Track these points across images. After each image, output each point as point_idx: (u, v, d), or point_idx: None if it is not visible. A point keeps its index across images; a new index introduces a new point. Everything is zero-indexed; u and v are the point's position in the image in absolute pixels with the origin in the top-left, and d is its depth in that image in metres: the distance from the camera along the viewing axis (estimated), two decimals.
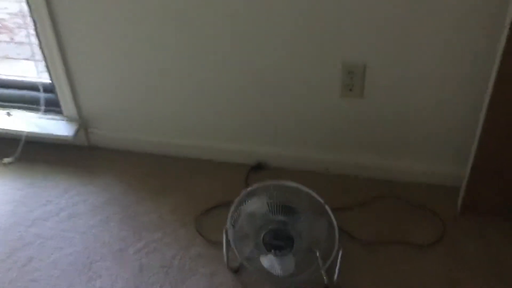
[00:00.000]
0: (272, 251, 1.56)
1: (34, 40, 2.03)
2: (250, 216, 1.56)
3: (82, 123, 2.16)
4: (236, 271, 1.70)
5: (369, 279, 1.65)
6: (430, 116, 1.81)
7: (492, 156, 1.67)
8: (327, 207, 1.53)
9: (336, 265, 1.60)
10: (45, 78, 2.13)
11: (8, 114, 2.22)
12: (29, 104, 2.22)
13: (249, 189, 1.56)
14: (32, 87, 2.20)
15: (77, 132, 2.15)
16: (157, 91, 2.00)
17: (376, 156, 1.94)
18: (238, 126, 2.02)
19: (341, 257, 1.59)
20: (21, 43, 2.39)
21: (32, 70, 2.19)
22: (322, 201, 1.53)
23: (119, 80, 2.01)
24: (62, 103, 2.14)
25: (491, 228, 1.77)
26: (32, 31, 1.99)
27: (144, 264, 1.74)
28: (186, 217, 1.89)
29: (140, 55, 1.92)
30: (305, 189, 1.53)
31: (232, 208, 1.58)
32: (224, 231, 1.65)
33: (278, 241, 1.54)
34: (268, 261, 1.60)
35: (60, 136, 2.15)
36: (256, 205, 1.55)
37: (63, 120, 2.18)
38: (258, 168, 2.05)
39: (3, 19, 2.50)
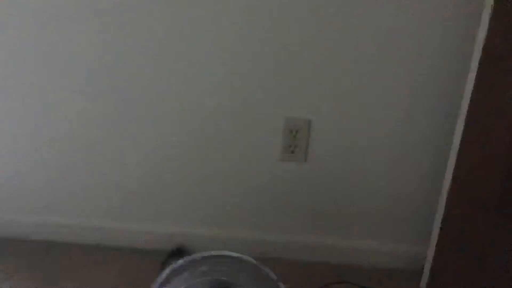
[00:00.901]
0: None
1: None
2: None
3: None
4: None
5: None
6: (385, 187, 1.57)
7: (456, 237, 1.46)
8: (281, 286, 1.17)
9: None
10: None
11: None
12: None
13: (174, 266, 1.17)
14: None
15: None
16: (40, 158, 1.62)
17: (323, 235, 1.64)
18: (152, 202, 1.65)
19: None
20: None
21: None
22: (274, 277, 1.17)
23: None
24: None
25: None
26: None
27: None
28: None
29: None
30: (251, 260, 1.17)
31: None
32: None
33: None
34: None
35: None
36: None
37: None
38: (179, 254, 1.62)
39: None
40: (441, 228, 1.46)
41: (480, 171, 1.36)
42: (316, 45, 1.41)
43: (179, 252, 1.64)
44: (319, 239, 1.64)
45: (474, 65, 1.28)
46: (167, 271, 1.16)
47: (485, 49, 1.25)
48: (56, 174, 1.62)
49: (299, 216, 1.62)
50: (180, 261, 1.17)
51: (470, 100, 1.30)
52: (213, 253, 1.17)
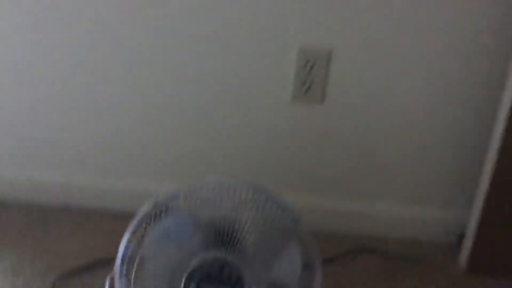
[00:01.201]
0: None
1: None
2: (159, 250, 0.85)
3: None
4: None
5: None
6: (417, 141, 1.29)
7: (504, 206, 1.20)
8: (300, 225, 0.87)
9: None
10: None
11: None
12: None
13: (155, 199, 0.87)
14: None
15: None
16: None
17: (341, 199, 1.35)
18: (129, 155, 1.35)
19: None
20: None
21: None
22: (293, 214, 0.88)
23: None
24: None
25: None
26: None
27: None
28: (34, 282, 1.09)
29: None
30: (260, 188, 0.87)
31: (124, 239, 0.87)
32: (107, 281, 0.90)
33: (215, 286, 0.83)
34: None
35: None
36: (169, 231, 0.86)
37: None
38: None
39: None
40: (487, 194, 1.20)
41: None
42: None
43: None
44: (337, 203, 1.35)
45: None
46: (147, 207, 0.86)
47: None
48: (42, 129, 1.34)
49: (313, 174, 1.33)
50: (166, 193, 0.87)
51: None
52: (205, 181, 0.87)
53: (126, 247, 0.84)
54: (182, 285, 0.83)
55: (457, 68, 1.22)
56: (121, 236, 0.88)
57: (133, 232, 0.85)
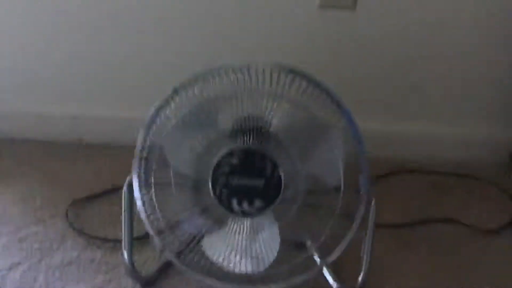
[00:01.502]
0: (237, 205, 0.73)
1: None
2: (180, 141, 0.74)
3: None
4: (148, 283, 0.81)
5: (413, 278, 0.86)
6: (463, 54, 1.15)
7: None
8: (344, 108, 0.75)
9: (366, 248, 0.79)
10: None
11: None
12: None
13: (174, 86, 0.76)
14: None
15: None
16: None
17: (378, 117, 1.20)
18: (132, 81, 1.22)
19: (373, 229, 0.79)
20: None
21: None
22: (336, 97, 0.75)
23: None
24: None
25: None
26: None
27: None
28: (47, 208, 0.98)
29: None
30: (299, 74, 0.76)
31: (142, 132, 0.76)
32: (125, 185, 0.79)
33: (247, 178, 0.72)
34: (220, 241, 0.76)
35: None
36: (191, 118, 0.74)
37: None
38: None
39: None
40: None
41: None
42: None
43: None
44: (374, 122, 1.18)
45: None
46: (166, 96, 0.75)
47: None
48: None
49: (346, 87, 1.20)
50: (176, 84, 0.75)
51: None
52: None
53: (144, 139, 0.74)
54: (210, 178, 0.72)
55: None
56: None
57: (151, 123, 0.74)
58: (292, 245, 0.80)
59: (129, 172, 0.78)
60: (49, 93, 1.26)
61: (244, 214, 0.73)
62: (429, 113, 1.23)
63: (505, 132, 1.22)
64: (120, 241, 0.85)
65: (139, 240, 0.86)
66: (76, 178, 1.10)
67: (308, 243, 0.80)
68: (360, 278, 0.80)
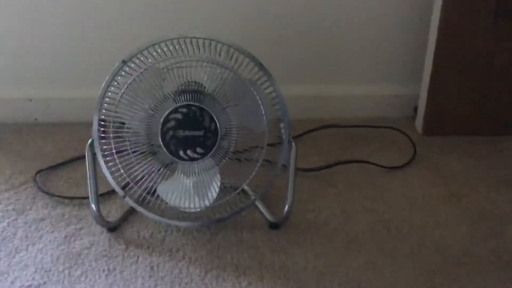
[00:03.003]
0: (182, 153, 0.89)
1: None
2: (133, 99, 0.89)
3: None
4: (114, 228, 0.97)
5: (333, 209, 1.05)
6: (370, 20, 1.35)
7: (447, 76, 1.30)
8: (266, 71, 0.93)
9: (289, 185, 0.98)
10: None
11: None
12: None
13: (125, 58, 0.89)
14: None
15: None
16: None
17: (304, 83, 1.39)
18: (83, 59, 1.34)
19: (295, 168, 0.97)
20: None
21: None
22: (258, 60, 0.92)
23: None
24: None
25: (463, 144, 1.30)
26: None
27: None
28: (16, 178, 1.11)
29: None
30: (226, 43, 0.92)
31: (100, 95, 0.90)
32: (87, 146, 0.93)
33: (191, 130, 0.89)
34: (172, 186, 0.92)
35: None
36: (142, 85, 0.89)
37: None
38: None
39: None
40: (432, 68, 1.29)
41: None
42: None
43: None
44: (293, 86, 1.34)
45: None
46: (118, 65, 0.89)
47: None
48: None
49: (269, 56, 1.37)
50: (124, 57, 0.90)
51: None
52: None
53: (100, 108, 0.89)
54: (159, 133, 0.88)
55: None
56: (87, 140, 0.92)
57: (104, 92, 0.89)
58: (230, 187, 0.98)
59: (84, 144, 0.93)
60: (2, 78, 1.37)
61: (190, 159, 0.90)
62: (344, 76, 1.42)
63: (410, 89, 1.43)
64: (85, 198, 1.00)
65: (102, 196, 1.01)
66: (38, 153, 1.23)
67: (242, 185, 0.97)
68: (285, 210, 0.98)
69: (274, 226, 0.98)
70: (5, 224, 0.97)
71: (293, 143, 0.94)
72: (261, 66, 0.91)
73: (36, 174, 1.12)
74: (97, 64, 1.31)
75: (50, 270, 0.86)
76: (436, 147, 1.29)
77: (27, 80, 1.36)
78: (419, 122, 1.38)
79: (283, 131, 0.94)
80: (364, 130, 1.34)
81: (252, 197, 0.97)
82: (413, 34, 1.37)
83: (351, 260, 0.91)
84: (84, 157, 0.93)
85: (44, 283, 0.84)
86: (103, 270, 0.87)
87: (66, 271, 0.86)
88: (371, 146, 1.29)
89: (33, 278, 0.85)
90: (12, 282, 0.84)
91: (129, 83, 0.87)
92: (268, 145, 0.93)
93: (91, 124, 0.91)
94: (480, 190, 1.13)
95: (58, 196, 1.05)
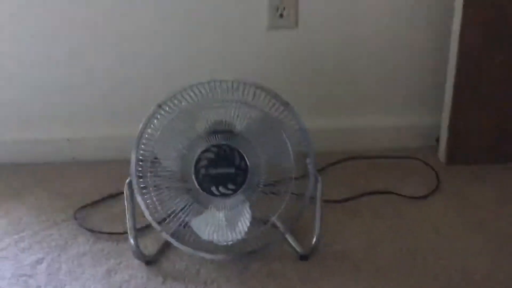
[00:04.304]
0: (215, 189, 0.94)
1: None
2: (167, 140, 0.95)
3: None
4: (151, 261, 1.02)
5: (360, 238, 1.08)
6: (387, 55, 1.41)
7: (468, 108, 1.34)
8: (291, 108, 0.98)
9: (316, 216, 1.02)
10: None
11: None
12: None
13: (160, 102, 0.96)
14: None
15: None
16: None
17: (320, 116, 1.44)
18: (118, 100, 1.43)
19: (322, 201, 1.02)
20: None
21: None
22: (283, 100, 0.98)
23: None
24: None
25: (486, 172, 1.33)
26: None
27: None
28: (57, 216, 1.18)
29: None
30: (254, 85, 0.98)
31: (137, 136, 0.96)
32: (126, 184, 0.99)
33: (222, 168, 0.94)
34: (205, 221, 0.97)
35: None
36: (176, 126, 0.96)
37: None
38: None
39: None
40: (453, 99, 1.33)
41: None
42: None
43: None
44: (317, 120, 1.41)
45: None
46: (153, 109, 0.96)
47: None
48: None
49: (292, 95, 1.43)
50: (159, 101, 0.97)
51: None
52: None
53: (137, 149, 0.95)
54: (193, 171, 0.94)
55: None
56: (125, 177, 0.99)
57: (141, 133, 0.95)
58: (259, 221, 1.02)
59: (120, 181, 0.99)
60: (41, 120, 1.46)
61: (221, 196, 0.95)
62: (365, 108, 1.47)
63: (431, 119, 1.46)
64: (123, 234, 1.06)
65: (139, 231, 1.07)
66: (77, 190, 1.30)
67: (272, 218, 1.02)
68: (313, 241, 1.02)
69: (303, 257, 1.02)
70: (49, 259, 1.04)
71: (319, 177, 0.99)
72: (286, 105, 0.97)
73: (76, 211, 1.19)
74: (131, 105, 1.41)
75: None
76: (459, 176, 1.32)
77: (64, 121, 1.45)
78: (441, 152, 1.41)
79: (309, 165, 0.99)
80: (387, 160, 1.38)
81: (282, 230, 1.02)
82: (433, 65, 1.42)
83: None
84: (120, 193, 1.00)
85: None
86: None
87: None
88: (394, 177, 1.32)
89: None
90: None
91: (164, 126, 0.94)
92: (295, 178, 0.98)
93: (125, 161, 0.98)
94: (503, 217, 1.15)
95: (98, 232, 1.12)
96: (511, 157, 1.38)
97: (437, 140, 1.44)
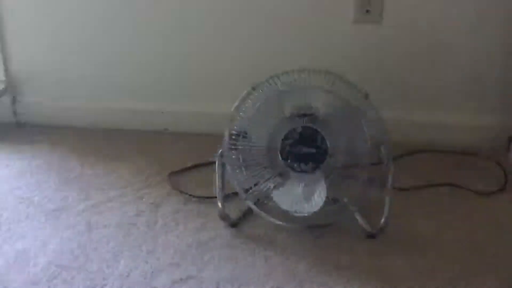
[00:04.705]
0: (297, 165, 1.07)
1: None
2: (259, 120, 1.08)
3: (10, 89, 1.67)
4: (235, 224, 1.16)
5: (426, 226, 1.17)
6: (466, 56, 1.46)
7: None
8: (370, 99, 1.08)
9: (386, 200, 1.11)
10: None
11: None
12: None
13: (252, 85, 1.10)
14: None
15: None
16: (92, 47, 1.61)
17: (399, 109, 1.51)
18: (213, 81, 1.58)
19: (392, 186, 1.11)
20: None
21: None
22: (363, 91, 1.08)
23: (52, 38, 1.62)
24: None
25: None
26: None
27: (93, 223, 1.16)
28: (154, 177, 1.35)
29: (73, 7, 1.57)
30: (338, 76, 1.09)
31: (231, 117, 1.10)
32: (218, 154, 1.14)
33: (305, 147, 1.06)
34: (285, 193, 1.10)
35: None
36: (268, 107, 1.09)
37: None
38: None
39: None
40: None
41: None
42: None
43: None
44: (393, 113, 1.43)
45: None
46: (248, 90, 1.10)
47: None
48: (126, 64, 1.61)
49: (373, 86, 1.50)
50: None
51: None
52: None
53: (231, 124, 1.09)
54: (279, 147, 1.06)
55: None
56: (211, 150, 1.14)
57: (237, 109, 1.09)
58: (333, 199, 1.13)
59: (209, 152, 1.15)
60: (139, 91, 1.64)
61: (302, 171, 1.07)
62: (440, 105, 1.53)
63: (504, 118, 1.50)
64: (212, 198, 1.20)
65: (226, 197, 1.19)
66: (170, 157, 1.46)
67: (344, 198, 1.13)
68: (381, 222, 1.11)
69: (371, 235, 1.12)
70: (147, 214, 1.20)
71: (391, 164, 1.09)
72: (366, 95, 1.07)
73: (169, 174, 1.35)
74: (223, 83, 1.56)
75: (185, 253, 1.07)
76: None
77: (160, 95, 1.63)
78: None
79: (383, 153, 1.09)
80: (458, 157, 1.45)
81: (352, 209, 1.12)
82: (507, 68, 1.46)
83: (437, 272, 1.04)
84: (209, 163, 1.14)
85: (181, 262, 1.05)
86: (227, 258, 1.06)
87: (198, 255, 1.07)
88: (463, 173, 1.39)
89: (173, 258, 1.06)
90: (157, 259, 1.06)
91: (257, 106, 1.07)
92: (370, 164, 1.09)
93: (215, 135, 1.13)
94: None
95: (189, 194, 1.27)
96: None
97: (510, 139, 1.48)
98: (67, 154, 1.49)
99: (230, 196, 1.22)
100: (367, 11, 1.44)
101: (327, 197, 1.09)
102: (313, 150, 1.06)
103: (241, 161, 1.10)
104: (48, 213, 1.20)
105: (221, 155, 1.12)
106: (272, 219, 1.12)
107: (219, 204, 1.14)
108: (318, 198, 1.08)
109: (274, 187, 1.10)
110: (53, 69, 1.65)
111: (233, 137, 1.10)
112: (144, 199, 1.26)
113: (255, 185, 1.11)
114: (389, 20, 1.45)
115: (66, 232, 1.14)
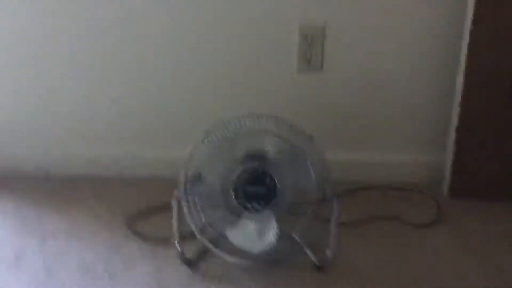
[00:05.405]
0: (249, 205, 1.14)
1: None
2: (213, 163, 1.16)
3: None
4: (191, 263, 1.21)
5: (369, 257, 1.27)
6: (403, 95, 1.60)
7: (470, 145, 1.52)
8: (314, 141, 1.18)
9: (332, 234, 1.20)
10: None
11: None
12: None
13: (205, 129, 1.18)
14: None
15: None
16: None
17: (339, 149, 1.63)
18: (165, 126, 1.65)
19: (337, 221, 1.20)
20: None
21: None
22: (308, 134, 1.18)
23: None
24: None
25: (488, 207, 1.49)
26: None
27: (53, 268, 1.19)
28: (111, 223, 1.39)
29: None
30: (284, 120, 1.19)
31: (186, 161, 1.17)
32: (173, 199, 1.19)
33: (256, 187, 1.14)
34: (239, 231, 1.17)
35: None
36: (220, 150, 1.17)
37: None
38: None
39: None
40: (456, 137, 1.51)
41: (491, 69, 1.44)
42: None
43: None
44: (336, 153, 1.56)
45: None
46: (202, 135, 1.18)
47: None
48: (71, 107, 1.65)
49: (316, 129, 1.56)
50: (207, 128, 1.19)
51: None
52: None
53: (187, 166, 1.16)
54: (232, 188, 1.14)
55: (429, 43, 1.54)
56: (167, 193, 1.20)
57: (190, 157, 1.16)
58: (284, 235, 1.21)
59: (165, 196, 1.22)
60: (93, 136, 1.67)
61: (254, 210, 1.15)
62: (380, 143, 1.65)
63: (438, 156, 1.62)
64: (169, 239, 1.25)
65: (183, 238, 1.24)
66: (126, 202, 1.50)
67: (294, 233, 1.21)
68: (328, 254, 1.20)
69: (319, 268, 1.20)
70: (106, 258, 1.24)
71: (336, 200, 1.18)
72: (310, 138, 1.18)
73: (126, 218, 1.40)
74: (174, 130, 1.64)
75: None
76: (459, 208, 1.49)
77: (113, 141, 1.67)
78: (445, 186, 1.59)
79: (328, 190, 1.19)
80: (396, 192, 1.57)
81: (301, 244, 1.21)
82: (439, 111, 1.59)
83: None
84: (164, 206, 1.20)
85: None
86: None
87: None
88: (401, 207, 1.50)
89: None
90: None
91: (211, 149, 1.15)
92: (316, 200, 1.18)
93: (170, 179, 1.20)
94: (497, 247, 1.32)
95: (146, 237, 1.32)
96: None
97: (443, 175, 1.62)
98: (20, 205, 1.51)
99: (187, 237, 1.27)
100: (309, 61, 1.57)
101: (279, 233, 1.18)
102: (263, 190, 1.14)
103: (196, 202, 1.17)
104: (8, 261, 1.22)
105: (177, 198, 1.19)
106: (227, 258, 1.19)
107: (177, 245, 1.20)
108: (270, 235, 1.16)
109: (229, 226, 1.17)
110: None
111: (189, 180, 1.17)
112: (102, 244, 1.30)
113: (210, 225, 1.18)
114: (329, 69, 1.57)
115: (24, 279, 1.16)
